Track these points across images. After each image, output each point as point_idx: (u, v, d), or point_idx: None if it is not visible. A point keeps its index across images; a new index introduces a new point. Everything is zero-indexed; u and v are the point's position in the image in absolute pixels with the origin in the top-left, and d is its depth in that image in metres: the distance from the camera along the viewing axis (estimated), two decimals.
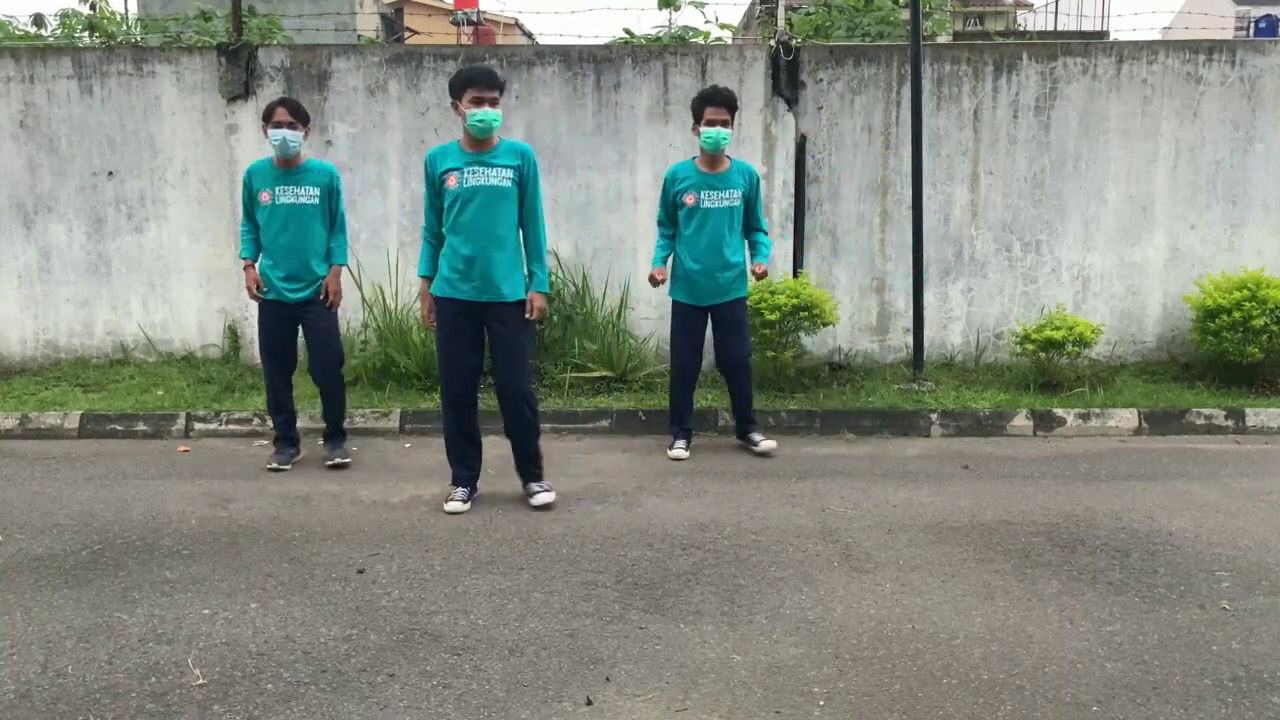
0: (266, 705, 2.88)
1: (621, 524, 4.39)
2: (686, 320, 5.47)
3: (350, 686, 2.99)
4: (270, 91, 6.97)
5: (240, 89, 6.96)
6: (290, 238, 5.16)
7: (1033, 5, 25.28)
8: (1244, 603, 3.56)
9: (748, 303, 5.62)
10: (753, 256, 5.44)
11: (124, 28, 8.52)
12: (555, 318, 6.78)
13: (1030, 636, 3.30)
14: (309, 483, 5.06)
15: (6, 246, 7.25)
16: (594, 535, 4.25)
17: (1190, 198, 7.15)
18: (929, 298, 6.94)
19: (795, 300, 6.21)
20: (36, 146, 7.17)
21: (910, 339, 6.85)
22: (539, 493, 4.63)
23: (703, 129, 5.23)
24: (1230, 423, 6.07)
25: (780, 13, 7.35)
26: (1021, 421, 6.07)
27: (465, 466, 4.68)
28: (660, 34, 7.80)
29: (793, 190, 7.01)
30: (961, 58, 7.05)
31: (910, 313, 6.81)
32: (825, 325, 6.43)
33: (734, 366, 5.51)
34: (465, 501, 4.60)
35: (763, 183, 6.99)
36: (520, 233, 4.55)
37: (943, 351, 7.22)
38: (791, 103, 6.95)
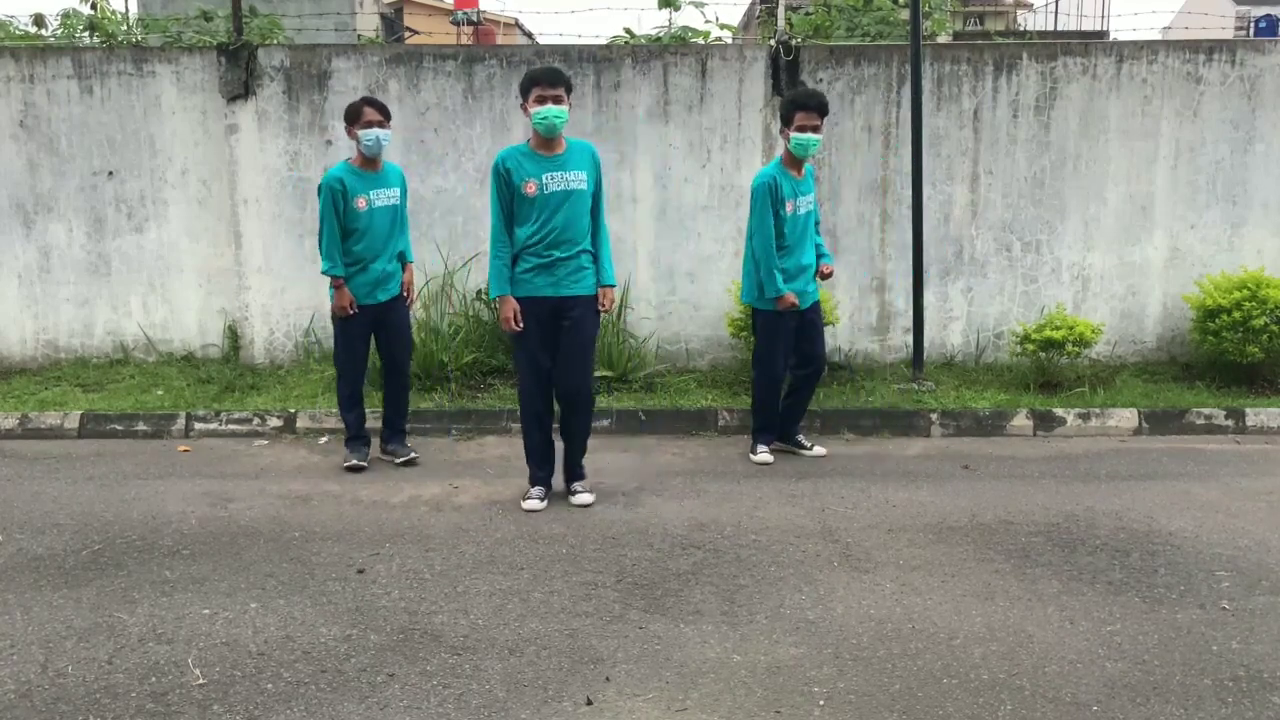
0: (266, 705, 2.89)
1: (621, 524, 4.40)
2: (788, 328, 5.34)
3: (350, 686, 2.99)
4: (270, 91, 6.97)
5: (240, 89, 6.96)
6: (385, 239, 5.20)
7: (1033, 5, 25.29)
8: (1244, 603, 3.56)
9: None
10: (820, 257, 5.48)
11: (124, 28, 8.49)
12: None
13: (1030, 636, 3.30)
14: (309, 483, 5.06)
15: (6, 246, 7.25)
16: (594, 535, 4.25)
17: (1190, 197, 7.14)
18: (929, 297, 6.93)
19: None
20: (36, 146, 7.16)
21: (910, 339, 6.85)
22: (581, 492, 4.75)
23: (794, 134, 5.13)
24: (1230, 423, 6.07)
25: (780, 13, 7.34)
26: (1021, 421, 6.07)
27: (543, 466, 4.76)
28: (660, 34, 7.80)
29: None
30: (961, 58, 7.04)
31: (910, 312, 6.81)
32: (826, 325, 6.41)
33: (821, 364, 5.53)
34: (543, 500, 4.65)
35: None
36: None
37: (943, 351, 7.22)
38: None
